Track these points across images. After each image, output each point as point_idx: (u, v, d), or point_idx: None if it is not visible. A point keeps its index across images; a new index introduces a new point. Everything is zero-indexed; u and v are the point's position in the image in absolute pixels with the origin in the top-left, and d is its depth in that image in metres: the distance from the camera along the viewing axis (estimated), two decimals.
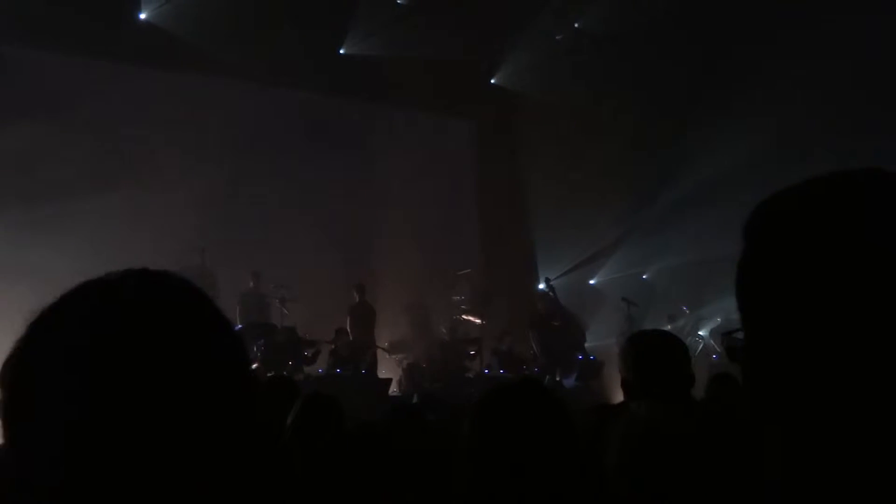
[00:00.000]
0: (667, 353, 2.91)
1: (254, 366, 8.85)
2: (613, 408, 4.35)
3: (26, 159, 9.37)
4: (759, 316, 0.89)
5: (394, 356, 11.56)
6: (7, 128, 9.24)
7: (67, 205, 9.49)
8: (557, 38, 13.27)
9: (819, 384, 0.81)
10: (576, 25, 13.22)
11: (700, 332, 13.75)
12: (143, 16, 10.90)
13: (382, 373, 11.09)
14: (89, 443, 0.79)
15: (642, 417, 2.90)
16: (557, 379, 11.09)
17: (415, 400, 5.88)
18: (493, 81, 13.99)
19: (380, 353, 11.35)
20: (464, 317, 12.31)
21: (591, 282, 14.63)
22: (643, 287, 14.21)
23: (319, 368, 10.20)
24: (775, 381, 0.86)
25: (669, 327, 13.12)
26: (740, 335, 0.95)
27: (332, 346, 10.32)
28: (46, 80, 10.15)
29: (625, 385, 3.11)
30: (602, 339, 12.60)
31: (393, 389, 10.36)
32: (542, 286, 12.82)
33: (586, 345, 11.96)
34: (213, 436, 0.84)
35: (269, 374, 8.02)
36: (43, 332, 0.85)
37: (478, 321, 12.09)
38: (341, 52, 12.40)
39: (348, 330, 10.74)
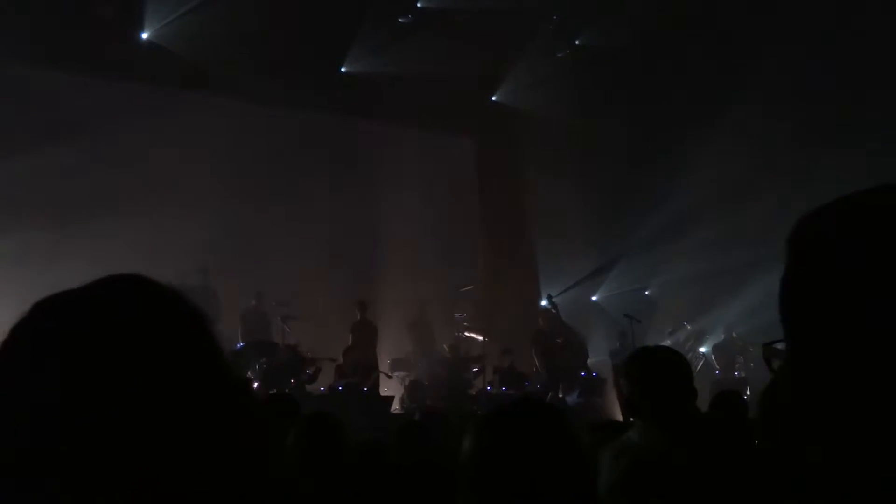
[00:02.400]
0: (671, 370, 2.90)
1: (255, 384, 8.92)
2: (609, 427, 4.35)
3: (35, 180, 9.43)
4: (803, 329, 0.88)
5: (396, 374, 11.54)
6: (17, 149, 9.31)
7: (71, 224, 9.53)
8: (558, 55, 13.34)
9: (866, 399, 0.81)
10: (576, 42, 13.30)
11: (701, 349, 13.73)
12: (145, 35, 10.96)
13: (385, 391, 11.07)
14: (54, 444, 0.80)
15: (633, 444, 2.90)
16: (560, 396, 11.06)
17: (416, 417, 5.86)
18: (493, 99, 14.06)
19: (382, 370, 11.33)
20: (466, 334, 12.30)
21: (594, 298, 14.63)
22: (645, 303, 14.21)
23: (321, 387, 10.17)
24: (820, 396, 0.85)
25: (670, 343, 13.09)
26: (780, 345, 0.96)
27: (337, 364, 10.31)
28: (53, 100, 10.18)
29: (626, 402, 3.10)
30: (604, 355, 12.57)
31: (395, 407, 10.33)
32: (544, 303, 12.81)
33: (589, 361, 11.93)
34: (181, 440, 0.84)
35: (270, 392, 8.00)
36: (19, 331, 0.87)
37: (480, 338, 12.07)
38: (343, 70, 12.46)
39: (351, 347, 10.73)
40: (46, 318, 0.88)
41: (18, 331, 0.88)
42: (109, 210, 9.79)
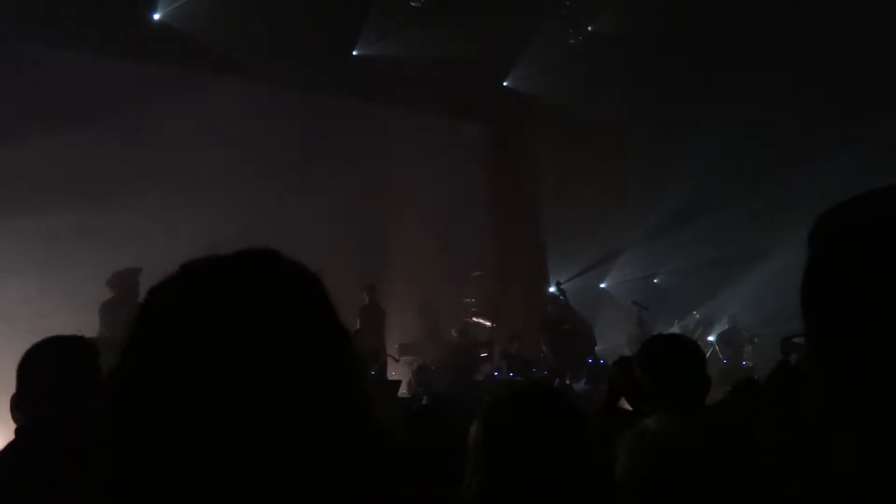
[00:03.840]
0: (685, 358, 2.91)
1: None
2: (621, 415, 4.35)
3: (50, 163, 9.45)
4: (826, 322, 0.89)
5: (403, 358, 11.57)
6: (32, 132, 9.32)
7: (91, 206, 9.57)
8: (570, 41, 13.27)
9: (888, 389, 0.82)
10: (589, 29, 13.22)
11: (709, 338, 13.72)
12: (157, 16, 10.95)
13: (392, 375, 11.10)
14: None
15: (651, 431, 2.90)
16: (567, 382, 11.07)
17: (424, 401, 5.87)
18: (505, 84, 14.01)
19: (390, 354, 11.36)
20: (474, 319, 12.32)
21: (602, 285, 14.63)
22: (654, 290, 14.20)
23: None
24: (844, 387, 0.86)
25: (679, 330, 13.09)
26: (799, 340, 0.96)
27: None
28: (67, 81, 10.16)
29: (639, 390, 3.09)
30: (612, 342, 12.58)
31: (402, 391, 10.36)
32: (552, 289, 12.81)
33: (596, 348, 11.94)
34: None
35: None
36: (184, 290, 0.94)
37: (488, 324, 12.10)
38: (354, 53, 12.43)
39: (359, 330, 10.75)
40: (195, 281, 0.94)
41: (165, 289, 0.94)
42: (124, 191, 9.81)
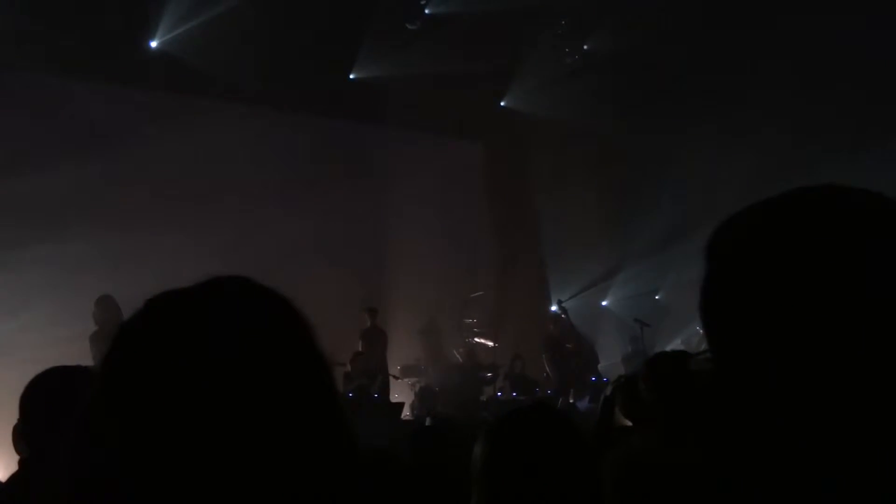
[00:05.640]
0: (690, 374, 2.90)
1: None
2: (620, 432, 4.32)
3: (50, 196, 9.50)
4: (730, 337, 0.89)
5: (406, 380, 11.53)
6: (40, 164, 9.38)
7: (93, 237, 9.61)
8: (567, 60, 13.34)
9: (795, 399, 0.82)
10: (584, 47, 13.30)
11: None
12: (153, 44, 11.00)
13: (395, 397, 11.05)
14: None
15: (633, 450, 2.88)
16: (571, 401, 11.02)
17: (428, 423, 5.84)
18: (502, 104, 14.06)
19: (392, 376, 11.32)
20: (476, 339, 12.29)
21: (604, 303, 14.59)
22: (656, 307, 14.16)
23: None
24: (748, 399, 0.86)
25: (681, 347, 13.04)
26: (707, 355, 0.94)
27: (347, 369, 10.28)
28: (70, 111, 10.20)
29: (641, 406, 3.08)
30: (615, 360, 12.54)
31: (405, 413, 10.32)
32: (554, 308, 12.79)
33: (599, 366, 11.90)
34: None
35: None
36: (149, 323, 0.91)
37: (490, 344, 12.07)
38: (351, 77, 12.49)
39: (360, 352, 10.72)
40: (158, 315, 0.91)
41: (131, 326, 0.90)
42: (127, 219, 9.88)
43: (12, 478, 2.54)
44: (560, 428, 2.23)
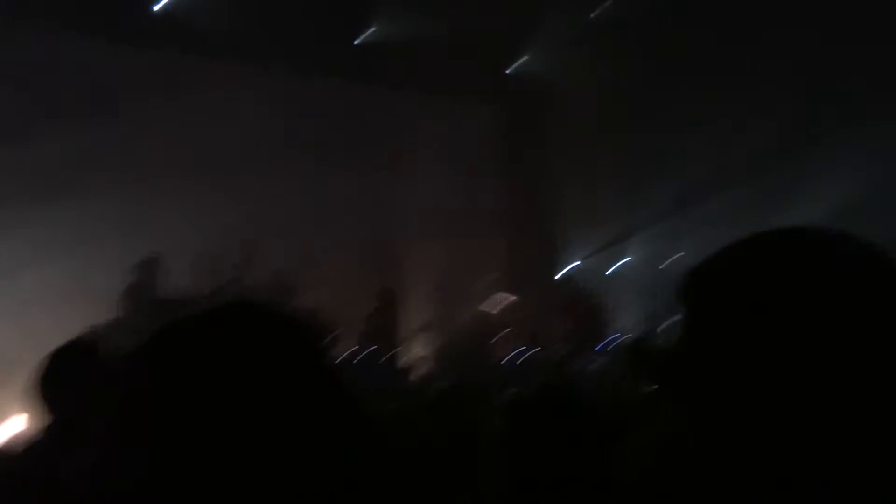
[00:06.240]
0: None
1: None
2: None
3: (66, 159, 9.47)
4: (712, 377, 0.94)
5: (421, 340, 11.54)
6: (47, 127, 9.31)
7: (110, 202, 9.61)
8: (591, 15, 12.95)
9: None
10: (608, 4, 12.93)
11: None
12: (156, 7, 10.82)
13: (408, 358, 11.07)
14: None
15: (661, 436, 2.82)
16: (584, 363, 11.00)
17: (444, 387, 5.81)
18: (516, 65, 13.76)
19: (406, 336, 11.32)
20: (493, 299, 12.23)
21: (616, 266, 14.38)
22: (665, 275, 14.00)
23: (341, 353, 10.12)
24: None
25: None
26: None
27: (362, 329, 10.30)
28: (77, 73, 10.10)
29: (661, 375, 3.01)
30: (626, 325, 12.45)
31: (420, 375, 10.32)
32: (572, 266, 12.79)
33: (615, 326, 11.86)
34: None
35: None
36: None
37: (508, 302, 12.03)
38: (356, 42, 12.23)
39: (375, 313, 10.72)
40: (173, 346, 0.99)
41: (145, 355, 0.99)
42: (137, 182, 9.87)
43: (38, 443, 2.62)
44: (576, 411, 2.23)
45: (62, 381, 2.68)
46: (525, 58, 13.66)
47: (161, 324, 1.01)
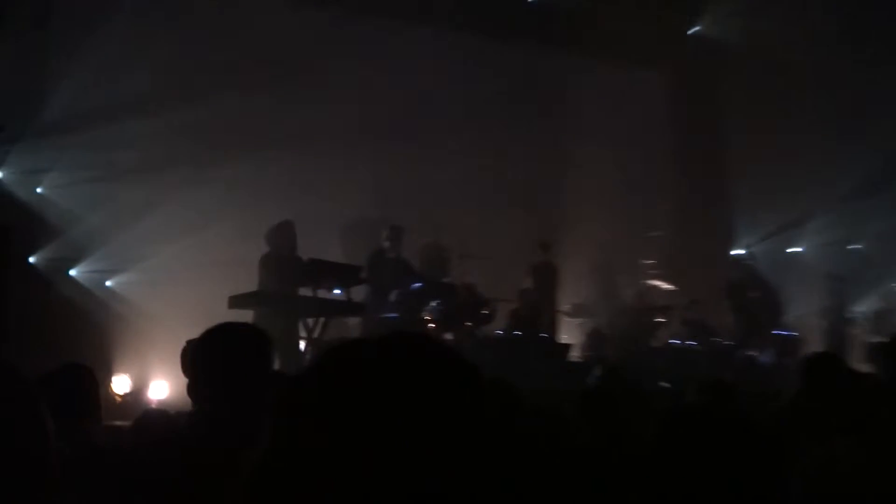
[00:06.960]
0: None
1: (431, 325, 8.95)
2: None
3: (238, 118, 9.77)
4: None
5: (575, 320, 11.29)
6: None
7: (270, 161, 9.87)
8: None
9: None
10: None
11: None
12: None
13: (563, 337, 10.87)
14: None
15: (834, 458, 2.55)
16: (751, 354, 10.42)
17: (597, 372, 5.63)
18: (697, 29, 13.05)
19: (561, 315, 11.12)
20: (652, 282, 11.75)
21: (794, 249, 13.48)
22: (853, 258, 12.97)
23: (497, 330, 10.05)
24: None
25: (884, 304, 12.06)
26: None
27: (515, 307, 10.18)
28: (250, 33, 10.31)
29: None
30: (802, 313, 11.65)
31: (574, 355, 10.12)
32: (739, 252, 12.10)
33: (786, 319, 11.13)
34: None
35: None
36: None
37: (667, 287, 11.53)
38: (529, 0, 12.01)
39: (530, 289, 10.58)
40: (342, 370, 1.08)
41: (314, 376, 1.08)
42: (288, 147, 9.93)
43: (191, 430, 2.67)
44: (737, 429, 2.13)
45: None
46: (704, 18, 12.92)
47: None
